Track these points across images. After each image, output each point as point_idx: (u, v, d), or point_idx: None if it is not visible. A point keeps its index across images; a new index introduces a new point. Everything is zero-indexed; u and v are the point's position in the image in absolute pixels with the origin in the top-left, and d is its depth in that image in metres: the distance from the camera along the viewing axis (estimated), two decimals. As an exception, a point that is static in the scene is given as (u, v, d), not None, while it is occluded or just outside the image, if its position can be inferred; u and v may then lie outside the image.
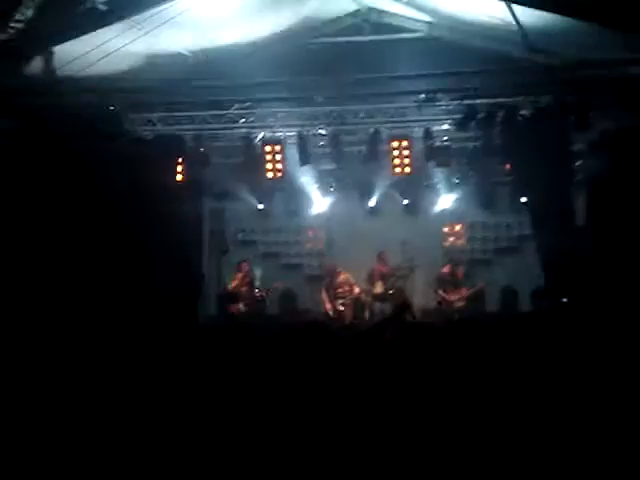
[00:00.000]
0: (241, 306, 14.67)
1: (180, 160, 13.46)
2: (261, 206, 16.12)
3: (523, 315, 13.01)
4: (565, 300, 11.08)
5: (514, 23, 11.13)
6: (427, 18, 12.98)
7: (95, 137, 12.06)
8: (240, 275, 14.92)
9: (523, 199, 14.05)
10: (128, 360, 5.90)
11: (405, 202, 15.96)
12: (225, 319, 14.43)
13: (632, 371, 5.06)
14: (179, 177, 13.48)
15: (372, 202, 15.94)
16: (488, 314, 14.43)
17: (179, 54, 11.98)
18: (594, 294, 11.92)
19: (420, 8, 12.46)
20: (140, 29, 10.38)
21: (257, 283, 15.08)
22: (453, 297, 14.78)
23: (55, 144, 11.69)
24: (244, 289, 14.83)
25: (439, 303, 14.84)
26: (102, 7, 9.42)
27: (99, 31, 10.06)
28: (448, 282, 14.88)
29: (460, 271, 14.99)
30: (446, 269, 15.04)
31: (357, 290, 14.85)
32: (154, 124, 13.18)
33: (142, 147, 12.90)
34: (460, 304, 14.71)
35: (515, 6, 10.54)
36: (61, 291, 11.38)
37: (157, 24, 10.43)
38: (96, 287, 11.98)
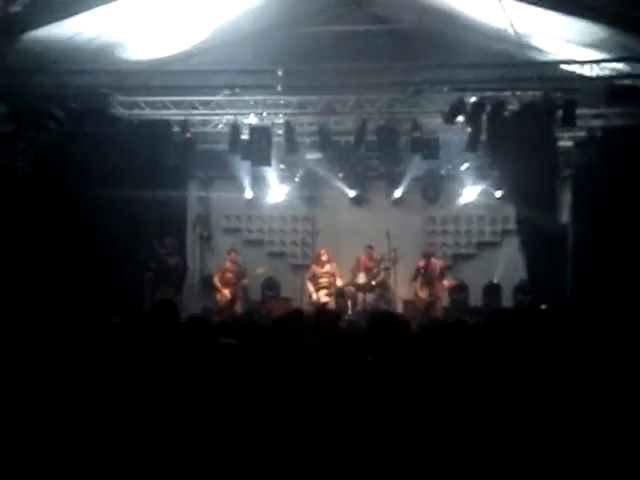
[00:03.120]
0: (227, 292, 14.63)
1: (166, 145, 13.37)
2: (247, 193, 16.03)
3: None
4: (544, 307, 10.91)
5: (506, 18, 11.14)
6: (418, 9, 12.95)
7: (81, 120, 12.02)
8: (228, 263, 14.88)
9: (508, 194, 14.10)
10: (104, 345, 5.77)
11: (397, 194, 15.85)
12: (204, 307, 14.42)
13: (619, 369, 5.03)
14: (165, 162, 13.41)
15: (353, 193, 15.95)
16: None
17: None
18: (577, 291, 12.01)
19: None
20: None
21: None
22: (422, 293, 14.35)
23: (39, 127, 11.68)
24: (229, 275, 14.76)
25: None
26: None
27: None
28: (421, 276, 14.39)
29: (436, 266, 14.40)
30: (422, 263, 14.46)
31: (340, 282, 14.80)
32: (141, 108, 13.07)
33: (128, 131, 12.84)
34: (431, 299, 14.23)
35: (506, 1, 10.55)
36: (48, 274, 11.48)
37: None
38: (80, 269, 12.05)
